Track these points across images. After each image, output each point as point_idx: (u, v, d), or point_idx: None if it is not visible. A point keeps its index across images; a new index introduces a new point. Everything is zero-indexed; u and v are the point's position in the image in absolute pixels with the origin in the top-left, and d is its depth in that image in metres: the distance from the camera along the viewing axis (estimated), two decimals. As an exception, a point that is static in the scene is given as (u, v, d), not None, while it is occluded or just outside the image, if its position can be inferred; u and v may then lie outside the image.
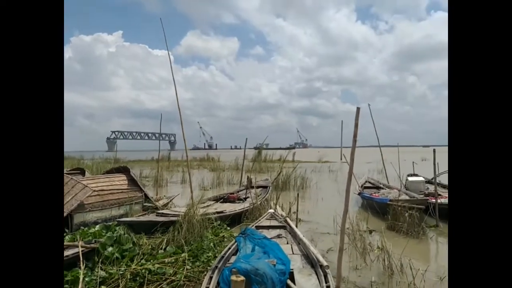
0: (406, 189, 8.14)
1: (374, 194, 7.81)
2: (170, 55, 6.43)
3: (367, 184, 10.06)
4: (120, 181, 6.35)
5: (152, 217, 5.52)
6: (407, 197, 6.67)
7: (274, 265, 2.88)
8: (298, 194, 6.12)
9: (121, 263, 3.61)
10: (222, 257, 3.39)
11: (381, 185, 9.64)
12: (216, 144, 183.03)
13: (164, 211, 5.92)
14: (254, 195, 7.01)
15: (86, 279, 3.18)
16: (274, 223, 4.84)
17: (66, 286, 3.07)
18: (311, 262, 3.32)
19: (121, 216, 5.63)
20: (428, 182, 9.05)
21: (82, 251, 3.49)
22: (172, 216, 5.22)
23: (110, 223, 4.82)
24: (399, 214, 5.63)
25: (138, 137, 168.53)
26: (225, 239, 4.72)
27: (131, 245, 3.96)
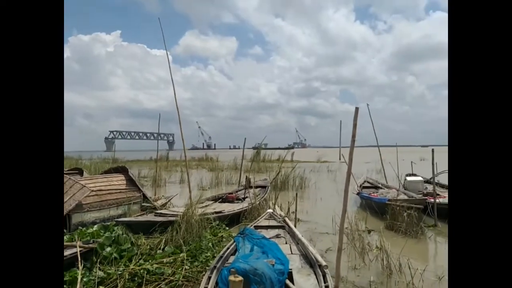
0: (405, 189, 8.16)
1: (372, 194, 7.81)
2: (168, 55, 6.41)
3: (366, 184, 10.06)
4: (118, 181, 6.34)
5: (150, 217, 5.51)
6: (405, 197, 6.68)
7: (273, 265, 2.88)
8: (296, 194, 6.12)
9: (120, 263, 3.60)
10: (221, 257, 3.39)
11: (380, 185, 9.65)
12: (214, 144, 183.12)
13: (163, 211, 5.92)
14: (253, 195, 7.00)
15: (84, 279, 3.17)
16: (272, 223, 4.84)
17: (64, 286, 3.05)
18: (310, 262, 3.32)
19: (120, 216, 5.61)
20: (427, 182, 9.06)
21: (80, 251, 3.48)
22: (170, 216, 5.21)
23: (108, 223, 4.80)
24: (397, 214, 5.64)
25: (137, 137, 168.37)
26: (224, 239, 4.71)
27: (130, 245, 3.95)
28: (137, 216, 5.67)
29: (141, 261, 3.67)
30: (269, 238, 3.85)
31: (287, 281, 2.80)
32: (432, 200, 6.08)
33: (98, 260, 3.56)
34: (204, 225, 4.77)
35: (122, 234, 4.11)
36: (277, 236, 4.22)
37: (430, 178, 7.19)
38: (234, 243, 3.72)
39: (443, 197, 7.04)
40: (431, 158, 6.31)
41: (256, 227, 4.54)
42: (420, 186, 8.18)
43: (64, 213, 4.83)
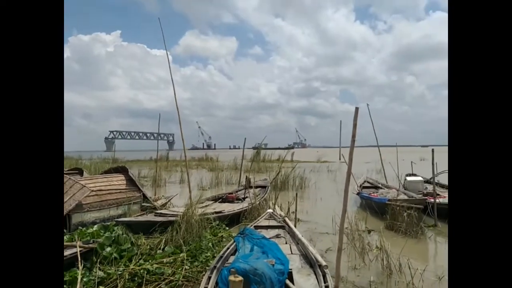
0: (405, 189, 8.15)
1: (372, 194, 7.81)
2: (168, 55, 6.41)
3: (366, 184, 10.06)
4: (118, 181, 6.34)
5: (150, 217, 5.51)
6: (405, 197, 6.68)
7: (273, 265, 2.88)
8: (296, 194, 6.12)
9: (120, 263, 3.60)
10: (221, 257, 3.39)
11: (380, 185, 9.65)
12: (214, 144, 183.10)
13: (163, 211, 5.92)
14: (253, 195, 7.01)
15: (84, 279, 3.17)
16: (272, 223, 4.84)
17: (64, 286, 3.05)
18: (310, 262, 3.32)
19: (120, 216, 5.61)
20: (427, 181, 9.06)
21: (80, 251, 3.48)
22: (170, 216, 5.21)
23: (108, 223, 4.80)
24: (397, 214, 5.64)
25: (137, 137, 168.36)
26: (224, 239, 4.71)
27: (130, 245, 3.95)
28: (137, 216, 5.67)
29: (141, 261, 3.67)
30: (269, 238, 3.85)
31: (287, 281, 2.80)
32: (432, 200, 6.08)
33: (98, 260, 3.56)
34: (204, 225, 4.77)
35: (122, 234, 4.11)
36: (277, 236, 4.22)
37: (430, 178, 7.19)
38: (234, 243, 3.72)
39: (443, 197, 7.04)
40: (431, 158, 6.32)
41: (256, 227, 4.54)
42: (420, 186, 8.18)
43: (64, 213, 4.83)
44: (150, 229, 4.74)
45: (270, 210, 5.36)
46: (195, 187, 11.71)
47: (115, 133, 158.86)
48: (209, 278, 2.93)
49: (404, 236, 5.19)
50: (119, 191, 6.08)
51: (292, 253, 3.59)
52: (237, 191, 8.61)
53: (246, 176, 8.95)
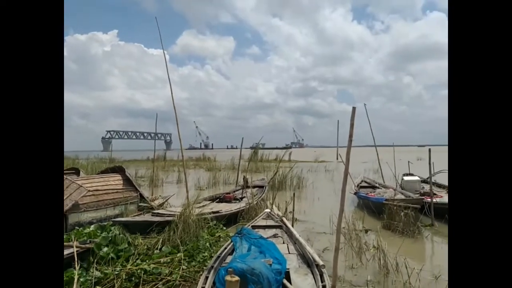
0: (402, 189, 8.18)
1: (370, 194, 7.84)
2: (165, 54, 6.41)
3: (363, 184, 10.09)
4: (115, 181, 6.32)
5: (147, 217, 5.49)
6: (402, 197, 6.71)
7: (270, 265, 2.88)
8: (294, 194, 6.13)
9: (117, 263, 3.58)
10: (218, 257, 3.38)
11: (377, 185, 9.67)
12: (212, 144, 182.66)
13: (160, 211, 5.90)
14: (250, 194, 7.01)
15: (81, 279, 3.15)
16: (270, 222, 4.84)
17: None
18: (307, 261, 3.32)
19: (116, 216, 5.59)
20: (424, 181, 9.10)
21: (77, 251, 3.46)
22: (167, 216, 5.20)
23: (105, 223, 4.78)
24: (394, 214, 5.66)
25: (134, 137, 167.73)
26: (221, 239, 4.71)
27: (127, 245, 3.94)
28: (134, 216, 5.64)
29: (138, 261, 3.66)
30: (267, 238, 3.86)
31: (285, 281, 2.80)
32: (429, 199, 6.10)
33: (95, 260, 3.54)
34: (202, 225, 4.77)
35: (119, 234, 4.10)
36: (275, 235, 4.22)
37: (427, 178, 7.23)
38: (232, 243, 3.72)
39: (440, 197, 7.07)
40: (428, 158, 6.34)
41: (254, 227, 4.54)
42: (417, 186, 8.22)
43: (61, 213, 4.81)
44: (147, 229, 4.72)
45: (268, 210, 5.36)
46: (193, 187, 11.69)
47: (112, 133, 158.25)
48: (207, 278, 2.93)
49: (401, 236, 5.21)
50: (116, 191, 6.06)
51: (289, 253, 3.60)
52: (234, 191, 8.61)
53: (244, 176, 8.95)
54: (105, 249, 3.73)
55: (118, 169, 6.93)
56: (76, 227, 4.72)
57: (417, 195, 7.05)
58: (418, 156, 21.05)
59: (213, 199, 7.68)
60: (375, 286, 3.50)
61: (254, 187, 8.59)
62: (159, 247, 4.12)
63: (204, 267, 3.47)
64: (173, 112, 6.27)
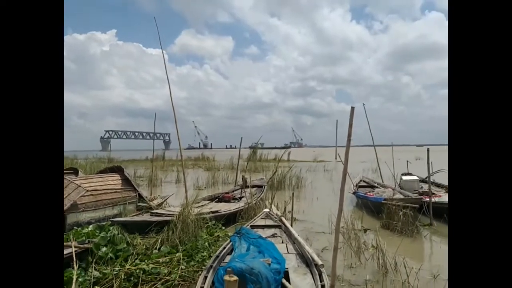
0: (401, 188, 8.20)
1: (368, 193, 7.85)
2: (164, 54, 6.40)
3: (362, 183, 10.11)
4: (113, 180, 6.30)
5: (146, 217, 5.48)
6: (401, 196, 6.72)
7: (269, 264, 2.88)
8: (293, 194, 6.13)
9: (115, 263, 3.58)
10: (217, 256, 3.38)
11: (376, 184, 9.69)
12: (211, 144, 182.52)
13: (159, 211, 5.89)
14: (249, 194, 7.00)
15: (80, 279, 3.15)
16: (269, 222, 4.84)
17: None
18: (306, 261, 3.32)
19: (115, 216, 5.58)
20: (422, 181, 9.12)
21: (75, 251, 3.45)
22: (166, 216, 5.19)
23: (104, 223, 4.78)
24: (393, 213, 5.67)
25: (132, 137, 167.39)
26: (220, 239, 4.70)
27: (125, 245, 3.93)
28: (132, 216, 5.64)
29: (137, 261, 3.65)
30: (266, 238, 3.86)
31: (284, 280, 2.80)
32: (428, 199, 6.11)
33: (94, 260, 3.53)
34: (200, 224, 4.76)
35: (118, 234, 4.09)
36: (274, 235, 4.22)
37: (426, 177, 7.24)
38: (231, 243, 3.71)
39: (439, 196, 7.09)
40: (426, 158, 6.35)
41: (253, 227, 4.54)
42: (415, 185, 8.23)
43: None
44: (146, 229, 4.72)
45: (267, 210, 5.36)
46: (191, 186, 11.68)
47: (110, 132, 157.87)
48: (205, 277, 2.93)
49: (399, 235, 5.22)
50: (114, 191, 6.05)
51: (288, 252, 3.60)
52: (233, 191, 8.60)
53: (243, 176, 8.95)
54: (104, 249, 3.73)
55: (117, 169, 6.91)
56: (75, 227, 4.71)
57: (416, 195, 7.07)
58: (417, 156, 21.07)
59: (212, 198, 7.68)
60: (373, 286, 3.51)
61: (253, 186, 8.59)
62: (158, 247, 4.11)
63: (203, 267, 3.46)
64: (171, 112, 6.27)
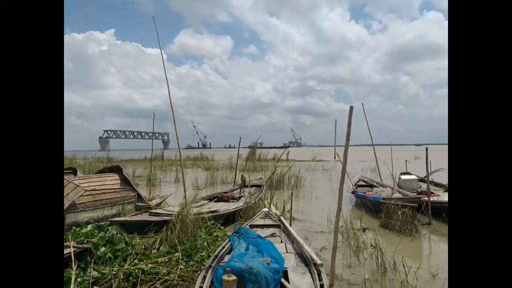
0: (399, 188, 8.20)
1: (367, 193, 7.85)
2: (163, 54, 6.39)
3: (361, 183, 10.11)
4: (112, 180, 6.29)
5: (145, 216, 5.48)
6: (400, 195, 6.72)
7: (268, 264, 2.88)
8: (292, 193, 6.12)
9: (114, 263, 3.57)
10: (216, 256, 3.38)
11: (375, 184, 9.70)
12: (210, 143, 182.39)
13: (157, 211, 5.89)
14: (248, 194, 7.00)
15: (79, 279, 3.14)
16: (268, 222, 4.84)
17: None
18: (305, 260, 3.32)
19: (114, 216, 5.57)
20: (421, 180, 9.13)
21: (74, 251, 3.45)
22: (165, 216, 5.19)
23: (103, 223, 4.77)
24: (392, 212, 5.67)
25: (131, 136, 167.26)
26: (219, 238, 4.70)
27: (124, 245, 3.92)
28: (131, 215, 5.63)
29: (136, 261, 3.65)
30: (265, 237, 3.85)
31: (283, 280, 2.80)
32: (426, 198, 6.12)
33: (92, 260, 3.53)
34: (199, 224, 4.76)
35: (117, 234, 4.08)
36: (273, 235, 4.22)
37: (424, 177, 7.24)
38: (229, 242, 3.71)
39: (438, 196, 7.10)
40: (425, 157, 6.36)
41: (252, 226, 4.54)
42: (414, 185, 8.24)
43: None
44: (145, 229, 4.71)
45: (266, 209, 5.36)
46: (190, 186, 11.67)
47: (109, 132, 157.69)
48: (204, 277, 2.93)
49: (398, 234, 5.22)
50: (113, 190, 6.04)
51: (287, 252, 3.60)
52: (232, 190, 8.60)
53: (242, 175, 8.95)
54: (103, 249, 3.72)
55: (116, 169, 6.90)
56: (73, 227, 4.70)
57: (415, 194, 7.08)
58: (416, 155, 21.06)
59: (211, 198, 7.67)
60: (372, 285, 3.51)
61: (252, 186, 8.60)
62: (156, 246, 4.11)
63: (202, 267, 3.46)
64: (170, 112, 6.27)
